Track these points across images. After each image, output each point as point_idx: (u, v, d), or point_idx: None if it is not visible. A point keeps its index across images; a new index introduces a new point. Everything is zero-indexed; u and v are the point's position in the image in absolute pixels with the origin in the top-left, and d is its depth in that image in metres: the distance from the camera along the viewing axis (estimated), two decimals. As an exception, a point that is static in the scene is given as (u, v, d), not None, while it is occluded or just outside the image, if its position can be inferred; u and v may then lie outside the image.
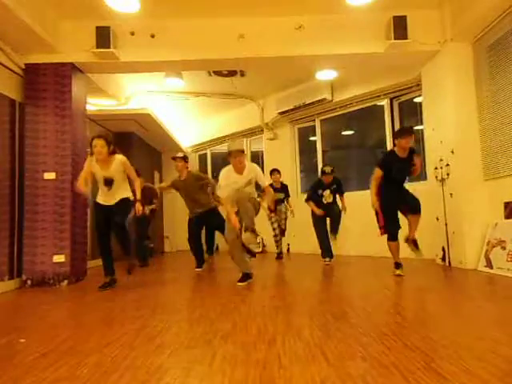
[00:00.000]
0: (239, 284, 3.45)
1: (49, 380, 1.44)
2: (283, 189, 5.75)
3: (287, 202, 5.80)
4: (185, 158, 4.81)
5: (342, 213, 4.93)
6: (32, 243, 3.93)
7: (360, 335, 1.85)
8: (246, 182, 3.57)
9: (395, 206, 3.71)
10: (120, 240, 3.61)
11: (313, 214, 4.92)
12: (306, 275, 4.19)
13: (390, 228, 3.67)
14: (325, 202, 4.88)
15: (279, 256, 5.81)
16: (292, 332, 1.92)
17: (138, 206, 3.49)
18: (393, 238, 3.69)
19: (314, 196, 4.93)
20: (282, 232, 5.80)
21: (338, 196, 4.97)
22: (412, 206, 3.67)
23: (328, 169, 4.82)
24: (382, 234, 3.73)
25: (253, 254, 3.56)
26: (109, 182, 3.46)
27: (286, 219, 5.80)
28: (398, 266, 3.72)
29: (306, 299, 2.77)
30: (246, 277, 3.54)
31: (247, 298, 2.97)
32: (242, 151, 3.58)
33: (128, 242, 3.65)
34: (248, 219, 3.43)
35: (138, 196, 3.54)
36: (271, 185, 5.13)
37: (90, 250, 5.18)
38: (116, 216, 3.49)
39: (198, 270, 4.73)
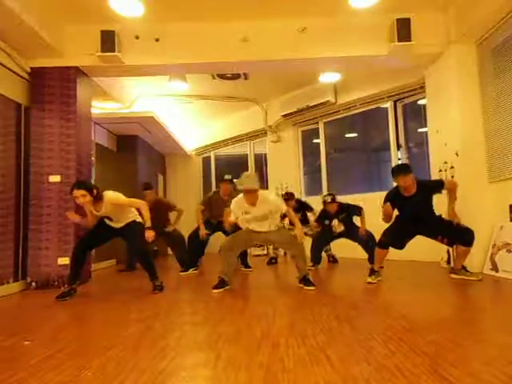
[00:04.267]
0: (214, 291, 3.26)
1: (53, 382, 1.44)
2: (300, 207, 5.18)
3: (311, 216, 5.18)
4: (231, 181, 4.65)
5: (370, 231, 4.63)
6: (37, 246, 3.96)
7: (364, 339, 1.84)
8: (262, 216, 3.37)
9: (413, 223, 3.46)
10: (145, 267, 3.47)
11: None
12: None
13: (387, 237, 3.49)
14: (336, 233, 4.66)
15: (271, 261, 5.29)
16: (296, 335, 1.92)
17: (149, 234, 3.29)
18: (384, 246, 3.52)
19: (323, 225, 4.75)
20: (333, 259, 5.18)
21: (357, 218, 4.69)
22: (460, 238, 3.47)
23: (328, 198, 4.56)
24: (378, 240, 3.57)
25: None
26: (108, 218, 3.39)
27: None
28: (372, 272, 3.54)
29: (310, 302, 2.76)
30: (223, 283, 3.33)
31: (250, 301, 2.96)
32: (255, 190, 3.24)
33: (153, 268, 3.46)
34: (301, 261, 3.40)
35: (148, 223, 3.31)
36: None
37: (94, 253, 5.19)
38: (131, 245, 3.38)
39: (183, 273, 4.65)
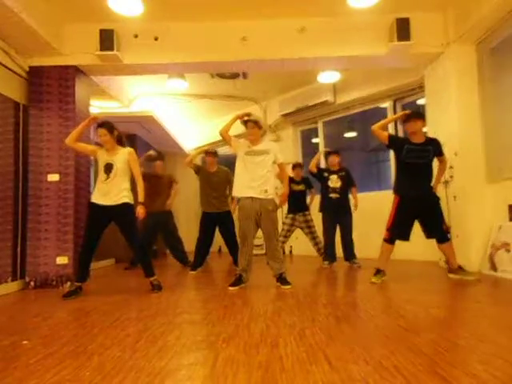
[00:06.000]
0: (230, 288, 3.33)
1: (51, 382, 1.44)
2: (303, 181, 5.16)
3: (311, 197, 5.21)
4: (215, 154, 4.92)
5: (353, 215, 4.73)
6: (35, 245, 3.95)
7: (363, 338, 1.84)
8: (262, 151, 3.45)
9: (412, 208, 3.44)
10: (141, 261, 3.49)
11: (323, 208, 4.80)
12: (309, 278, 4.18)
13: (394, 230, 3.46)
14: (331, 187, 4.70)
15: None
16: (294, 335, 1.92)
17: (140, 209, 3.32)
18: (391, 241, 3.50)
19: (320, 179, 4.80)
20: (318, 250, 5.02)
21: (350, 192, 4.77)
22: (435, 234, 3.49)
23: (331, 149, 4.79)
24: (385, 237, 3.52)
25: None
26: (108, 168, 3.32)
27: (312, 227, 5.01)
28: (377, 272, 3.50)
29: (309, 302, 2.76)
30: (239, 280, 3.39)
31: (249, 300, 2.96)
32: (260, 126, 3.46)
33: (149, 263, 3.46)
34: (272, 259, 3.41)
35: (141, 198, 3.37)
36: (290, 178, 4.78)
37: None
38: (127, 237, 3.35)
39: (192, 272, 4.68)
